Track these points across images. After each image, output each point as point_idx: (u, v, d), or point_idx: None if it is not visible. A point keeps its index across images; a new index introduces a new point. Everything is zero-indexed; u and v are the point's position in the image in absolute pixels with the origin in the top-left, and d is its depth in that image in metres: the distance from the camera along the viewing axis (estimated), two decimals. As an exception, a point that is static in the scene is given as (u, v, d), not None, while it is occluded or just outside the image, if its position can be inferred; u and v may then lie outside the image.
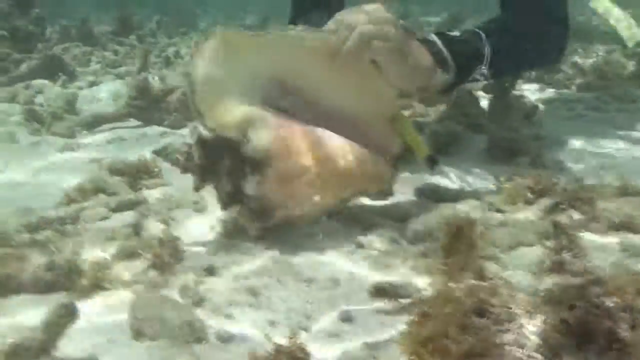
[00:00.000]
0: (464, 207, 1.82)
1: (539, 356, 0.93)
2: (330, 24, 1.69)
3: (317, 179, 1.63)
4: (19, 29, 4.30)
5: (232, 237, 1.67)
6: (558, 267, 1.25)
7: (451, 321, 1.00)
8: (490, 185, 2.06)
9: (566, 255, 1.24)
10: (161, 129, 2.98)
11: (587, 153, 2.47)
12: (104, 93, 3.78)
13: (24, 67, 3.84)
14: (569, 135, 2.67)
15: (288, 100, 1.68)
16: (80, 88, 3.84)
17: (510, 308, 1.02)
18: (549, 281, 1.33)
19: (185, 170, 1.68)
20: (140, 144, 2.77)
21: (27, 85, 3.72)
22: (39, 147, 2.72)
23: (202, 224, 1.78)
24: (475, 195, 1.93)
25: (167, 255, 1.44)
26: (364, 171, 1.69)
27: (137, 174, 2.10)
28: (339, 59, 1.64)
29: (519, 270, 1.52)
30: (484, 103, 2.91)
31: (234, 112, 1.62)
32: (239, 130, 1.61)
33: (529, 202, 1.87)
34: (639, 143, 2.64)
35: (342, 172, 1.66)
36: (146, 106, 3.06)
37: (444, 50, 1.87)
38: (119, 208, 1.89)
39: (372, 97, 1.72)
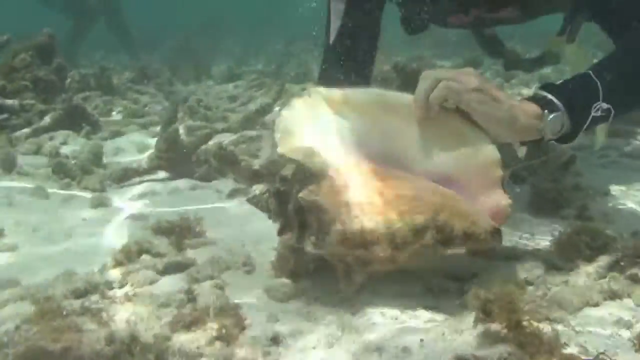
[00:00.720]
0: (522, 267, 1.77)
1: None
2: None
3: (378, 197, 1.57)
4: (41, 79, 4.30)
5: (289, 300, 1.62)
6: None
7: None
8: (542, 240, 2.00)
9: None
10: (192, 181, 2.94)
11: (633, 203, 2.42)
12: (129, 144, 3.75)
13: (47, 118, 3.82)
14: (609, 184, 2.62)
15: (375, 156, 1.67)
16: (105, 139, 3.82)
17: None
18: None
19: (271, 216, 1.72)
20: (173, 198, 2.73)
21: (51, 137, 3.70)
22: (72, 202, 2.68)
23: (255, 287, 1.73)
24: (531, 252, 1.88)
25: (232, 326, 1.38)
26: (442, 203, 1.58)
27: (181, 233, 2.05)
28: (424, 111, 1.63)
29: (590, 335, 1.47)
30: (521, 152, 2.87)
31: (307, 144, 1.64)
32: (305, 155, 1.60)
33: (587, 259, 1.82)
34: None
35: (408, 196, 1.58)
36: (176, 158, 3.02)
37: (545, 92, 1.75)
38: (167, 271, 1.84)
39: (469, 151, 1.67)
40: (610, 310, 1.58)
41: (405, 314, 1.55)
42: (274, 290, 1.68)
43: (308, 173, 1.58)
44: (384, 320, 1.52)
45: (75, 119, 3.95)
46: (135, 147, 3.69)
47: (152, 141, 3.80)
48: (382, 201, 1.56)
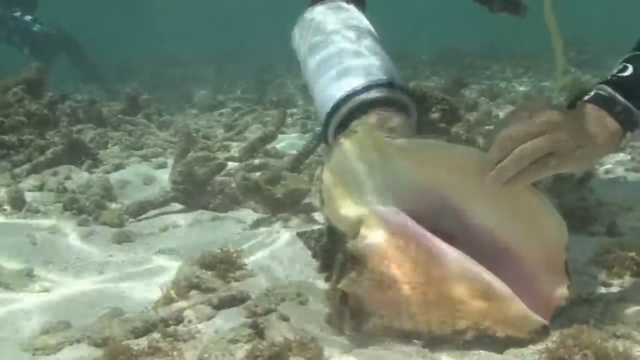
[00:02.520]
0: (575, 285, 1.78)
1: None
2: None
3: (419, 297, 1.50)
4: (34, 113, 4.24)
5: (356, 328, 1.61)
6: None
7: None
8: (580, 256, 2.02)
9: None
10: (209, 213, 2.92)
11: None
12: (134, 176, 3.71)
13: (49, 153, 3.77)
14: (628, 199, 2.68)
15: (430, 210, 1.59)
16: (107, 172, 3.77)
17: None
18: None
19: (314, 256, 1.63)
20: (196, 230, 2.71)
21: (54, 172, 3.64)
22: (93, 239, 2.64)
23: (315, 318, 1.72)
24: (574, 269, 1.90)
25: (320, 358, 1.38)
26: (487, 308, 1.50)
27: (225, 267, 2.03)
28: (491, 177, 1.51)
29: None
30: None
31: (354, 207, 1.58)
32: (351, 226, 1.56)
33: (635, 274, 1.85)
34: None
35: (453, 300, 1.50)
36: (191, 190, 3.00)
37: (629, 105, 1.59)
38: (222, 305, 1.82)
39: (537, 228, 1.56)
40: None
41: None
42: (336, 321, 1.67)
43: (350, 256, 1.53)
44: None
45: (75, 153, 3.90)
46: (140, 179, 3.65)
47: (157, 173, 3.80)
48: (424, 301, 1.50)
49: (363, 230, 1.54)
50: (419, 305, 1.51)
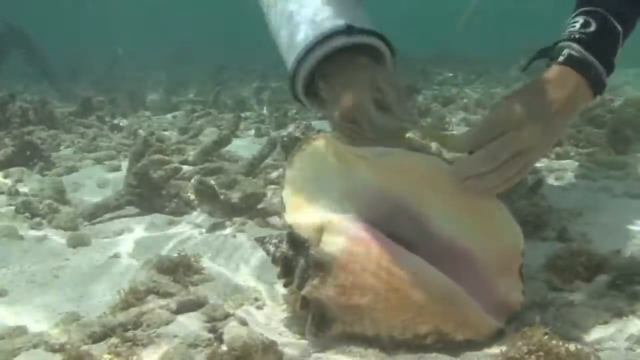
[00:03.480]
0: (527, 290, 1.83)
1: None
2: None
3: (382, 303, 1.52)
4: (-17, 115, 4.17)
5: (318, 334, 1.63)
6: None
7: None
8: (532, 262, 2.07)
9: None
10: (165, 216, 2.91)
11: (606, 221, 2.55)
12: (87, 179, 3.68)
13: (0, 155, 3.70)
14: (578, 205, 2.75)
15: (390, 217, 1.61)
16: (60, 175, 3.73)
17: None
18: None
19: (274, 261, 1.65)
20: (152, 234, 2.70)
21: (6, 174, 3.59)
22: (47, 243, 2.61)
23: (273, 322, 1.74)
24: (527, 274, 1.95)
25: (277, 363, 1.39)
26: (448, 312, 1.53)
27: (182, 271, 2.03)
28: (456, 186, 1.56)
29: (610, 352, 1.54)
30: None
31: (315, 214, 1.60)
32: (313, 232, 1.58)
33: (585, 279, 1.91)
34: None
35: (415, 304, 1.52)
36: (147, 194, 2.98)
37: (600, 67, 1.60)
38: (181, 310, 1.82)
39: (495, 232, 1.61)
40: (619, 327, 1.67)
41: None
42: (295, 325, 1.69)
43: (312, 262, 1.55)
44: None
45: (27, 155, 3.84)
46: (94, 182, 3.62)
47: (111, 176, 3.77)
48: (387, 307, 1.52)
49: (325, 237, 1.56)
50: (382, 310, 1.53)
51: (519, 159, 1.53)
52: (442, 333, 1.54)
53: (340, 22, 1.63)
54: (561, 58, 1.59)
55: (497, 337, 1.57)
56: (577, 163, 3.60)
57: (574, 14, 1.68)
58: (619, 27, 1.65)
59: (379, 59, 1.70)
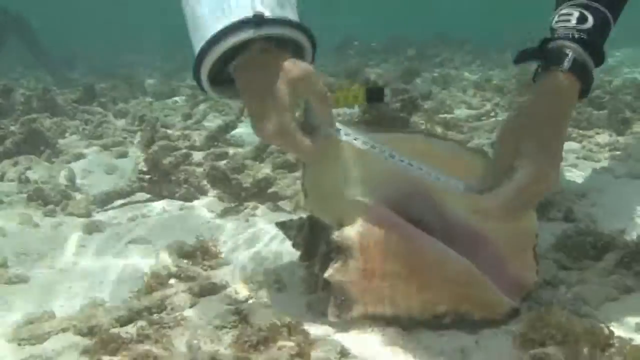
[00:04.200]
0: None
1: None
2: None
3: (402, 285, 1.58)
4: (-13, 103, 4.19)
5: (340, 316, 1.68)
6: None
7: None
8: (544, 242, 2.13)
9: None
10: (175, 202, 2.95)
11: (610, 202, 2.61)
12: (95, 166, 3.72)
13: (8, 143, 3.74)
14: (582, 186, 2.82)
15: (406, 201, 1.65)
16: (68, 162, 3.76)
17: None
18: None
19: (294, 245, 1.70)
20: (166, 220, 2.74)
21: (15, 162, 3.62)
22: (62, 229, 2.65)
23: (295, 304, 1.79)
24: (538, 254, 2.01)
25: (304, 343, 1.45)
26: (467, 294, 1.58)
27: (201, 256, 2.09)
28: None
29: (620, 326, 1.60)
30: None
31: (336, 200, 1.64)
32: (334, 217, 1.63)
33: (593, 259, 1.96)
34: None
35: (433, 286, 1.58)
36: (157, 179, 3.03)
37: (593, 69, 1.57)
38: (203, 293, 1.88)
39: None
40: (628, 303, 1.73)
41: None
42: (315, 305, 1.75)
43: (334, 246, 1.59)
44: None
45: (34, 143, 3.87)
46: (102, 168, 3.66)
47: (118, 162, 3.80)
48: (406, 288, 1.58)
49: (347, 222, 1.61)
50: (402, 292, 1.59)
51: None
52: (459, 313, 1.60)
53: (249, 9, 1.43)
54: (567, 64, 1.52)
55: (512, 315, 1.63)
56: (579, 144, 3.65)
57: (567, 5, 1.62)
58: (611, 19, 1.61)
59: (298, 50, 1.56)
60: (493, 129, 4.06)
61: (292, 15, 1.51)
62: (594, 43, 1.55)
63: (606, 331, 1.45)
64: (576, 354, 1.39)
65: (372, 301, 1.60)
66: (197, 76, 1.51)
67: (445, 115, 4.60)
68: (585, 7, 1.57)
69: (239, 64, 1.49)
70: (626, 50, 10.22)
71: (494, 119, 4.57)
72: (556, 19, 1.62)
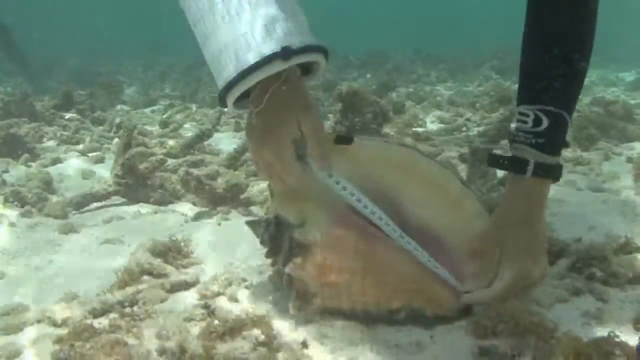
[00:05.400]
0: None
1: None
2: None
3: (358, 281, 1.67)
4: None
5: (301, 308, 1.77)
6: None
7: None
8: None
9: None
10: (150, 206, 3.03)
11: (567, 211, 2.73)
12: (72, 170, 3.78)
13: (-16, 147, 3.80)
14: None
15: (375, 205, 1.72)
16: (45, 166, 3.82)
17: None
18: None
19: (262, 242, 1.78)
20: (140, 222, 2.81)
21: (-9, 165, 3.68)
22: (39, 229, 2.71)
23: (262, 300, 1.87)
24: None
25: (267, 333, 1.53)
26: (420, 290, 1.69)
27: (173, 255, 2.16)
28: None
29: (568, 325, 1.69)
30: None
31: (300, 200, 1.73)
32: (297, 216, 1.72)
33: (549, 263, 2.06)
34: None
35: (388, 283, 1.68)
36: (133, 184, 3.10)
37: (559, 159, 1.73)
38: (174, 289, 1.95)
39: (464, 220, 1.77)
40: (577, 304, 1.84)
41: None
42: (281, 302, 1.83)
43: (296, 244, 1.69)
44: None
45: (11, 147, 3.92)
46: (79, 173, 3.72)
47: (95, 167, 3.87)
48: (362, 284, 1.67)
49: (308, 220, 1.70)
50: (358, 288, 1.68)
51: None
52: (413, 309, 1.70)
53: (276, 40, 1.49)
54: (529, 173, 1.67)
55: (465, 313, 1.73)
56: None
57: (524, 108, 1.71)
58: (567, 115, 1.69)
59: (312, 67, 1.66)
60: (463, 142, 4.17)
61: (307, 32, 1.58)
62: (550, 142, 1.68)
63: (552, 325, 1.55)
64: (523, 344, 1.49)
65: (330, 296, 1.69)
66: (222, 99, 1.58)
67: (418, 128, 4.71)
68: (539, 109, 1.67)
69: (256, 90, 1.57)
70: (599, 72, 10.45)
71: (465, 133, 4.68)
72: (516, 117, 1.71)
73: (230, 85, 1.51)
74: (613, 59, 11.15)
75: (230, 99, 1.55)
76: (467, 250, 1.77)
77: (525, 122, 1.69)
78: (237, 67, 1.49)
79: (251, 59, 1.47)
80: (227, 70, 1.51)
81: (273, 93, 1.54)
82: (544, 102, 1.67)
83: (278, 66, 1.48)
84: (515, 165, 1.70)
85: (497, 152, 1.82)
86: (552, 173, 1.70)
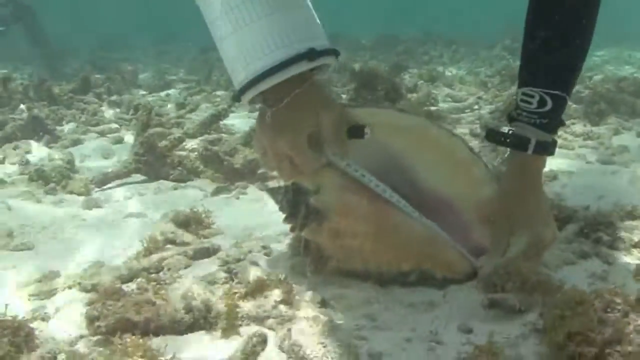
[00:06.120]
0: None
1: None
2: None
3: (370, 244, 1.76)
4: (-12, 90, 4.34)
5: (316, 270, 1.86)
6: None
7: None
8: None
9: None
10: (170, 183, 3.11)
11: (578, 183, 2.79)
12: (92, 151, 3.87)
13: (9, 128, 3.90)
14: (555, 170, 2.99)
15: (382, 169, 1.80)
16: (66, 147, 3.92)
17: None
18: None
19: (281, 209, 1.86)
20: (161, 197, 2.90)
21: (15, 146, 3.78)
22: (64, 205, 2.81)
23: (280, 265, 1.96)
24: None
25: (288, 293, 1.61)
26: (430, 253, 1.77)
27: (194, 225, 2.25)
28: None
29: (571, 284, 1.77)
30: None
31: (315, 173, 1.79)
32: (313, 182, 1.80)
33: (558, 229, 2.13)
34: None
35: (399, 246, 1.76)
36: (153, 162, 3.19)
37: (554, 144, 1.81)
38: (197, 256, 2.04)
39: (473, 186, 1.84)
40: (584, 267, 1.91)
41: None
42: (299, 267, 1.91)
43: (312, 209, 1.77)
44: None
45: (34, 129, 4.03)
46: (99, 153, 3.82)
47: (115, 147, 3.96)
48: (374, 247, 1.76)
49: (324, 187, 1.78)
50: (370, 251, 1.77)
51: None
52: (422, 270, 1.78)
53: (300, 41, 1.61)
54: (530, 150, 1.76)
55: (472, 276, 1.80)
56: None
57: (528, 89, 1.78)
58: (568, 97, 1.79)
59: (321, 67, 1.73)
60: (474, 120, 4.24)
61: (324, 36, 1.70)
62: (552, 123, 1.78)
63: (558, 284, 1.63)
64: (531, 300, 1.57)
65: (344, 258, 1.79)
66: (243, 92, 1.65)
67: (430, 107, 4.76)
68: (545, 92, 1.75)
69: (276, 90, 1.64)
70: (612, 50, 10.45)
71: (477, 111, 4.74)
72: (520, 97, 1.79)
73: (257, 80, 1.60)
74: (628, 37, 11.12)
75: (253, 92, 1.63)
76: (475, 215, 1.85)
77: (530, 103, 1.76)
78: (265, 64, 1.59)
79: (281, 57, 1.57)
80: (253, 67, 1.60)
81: (291, 91, 1.64)
82: (548, 86, 1.75)
83: (304, 66, 1.60)
84: (517, 142, 1.78)
85: (498, 128, 1.89)
86: (550, 149, 1.79)
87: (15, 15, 8.88)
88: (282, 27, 1.60)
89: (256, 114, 1.95)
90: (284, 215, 1.88)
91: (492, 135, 1.86)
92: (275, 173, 2.96)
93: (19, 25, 9.07)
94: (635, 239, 2.04)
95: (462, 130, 3.88)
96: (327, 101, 1.71)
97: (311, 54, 1.60)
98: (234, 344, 1.48)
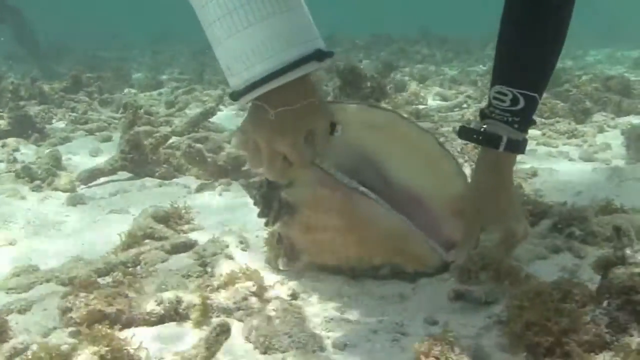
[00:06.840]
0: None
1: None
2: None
3: (341, 238, 1.77)
4: (-22, 89, 4.36)
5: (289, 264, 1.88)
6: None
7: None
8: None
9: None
10: (155, 180, 3.14)
11: (556, 181, 2.82)
12: (80, 149, 3.90)
13: (-3, 126, 3.93)
14: (534, 167, 3.02)
15: (354, 165, 1.82)
16: (54, 145, 3.94)
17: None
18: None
19: (255, 203, 1.88)
20: (145, 194, 2.93)
21: (3, 144, 3.81)
22: (48, 202, 2.84)
23: (256, 259, 1.98)
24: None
25: (258, 286, 1.64)
26: (400, 247, 1.78)
27: (174, 220, 2.27)
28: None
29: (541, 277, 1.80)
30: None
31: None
32: (287, 180, 1.81)
33: (531, 224, 2.16)
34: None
35: (370, 240, 1.77)
36: (138, 159, 3.21)
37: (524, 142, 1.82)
38: (174, 250, 2.07)
39: (443, 181, 1.84)
40: (556, 261, 1.93)
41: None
42: (273, 260, 1.94)
43: (284, 203, 1.79)
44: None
45: (23, 127, 4.05)
46: (87, 151, 3.84)
47: (103, 145, 3.99)
48: (345, 241, 1.78)
49: (296, 181, 1.81)
50: (341, 245, 1.79)
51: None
52: (393, 264, 1.81)
53: (307, 42, 1.59)
54: (502, 147, 1.75)
55: (443, 269, 1.83)
56: (539, 132, 3.86)
57: (502, 88, 1.77)
58: (538, 98, 1.78)
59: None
60: (460, 119, 4.26)
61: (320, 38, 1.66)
62: (524, 121, 1.78)
63: (525, 273, 1.66)
64: (498, 292, 1.60)
65: (316, 252, 1.81)
66: (245, 92, 1.59)
67: (419, 105, 4.79)
68: (518, 92, 1.75)
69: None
70: (605, 51, 10.48)
71: (466, 109, 4.76)
72: (492, 94, 1.78)
73: (268, 79, 1.55)
74: (620, 38, 11.16)
75: (263, 90, 1.58)
76: (446, 209, 1.86)
77: (503, 101, 1.76)
78: (276, 63, 1.54)
79: (291, 56, 1.54)
80: (261, 66, 1.55)
81: (293, 91, 1.60)
82: (521, 86, 1.76)
83: (314, 66, 1.58)
84: (488, 140, 1.78)
85: (469, 125, 1.91)
86: (520, 148, 1.80)
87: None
88: (290, 27, 1.58)
89: (245, 113, 1.94)
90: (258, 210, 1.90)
91: (464, 132, 1.87)
92: (260, 170, 3.00)
93: (5, 26, 9.04)
94: (608, 234, 2.06)
95: (447, 128, 3.90)
96: (324, 107, 1.70)
97: (319, 55, 1.58)
98: (202, 335, 1.50)
